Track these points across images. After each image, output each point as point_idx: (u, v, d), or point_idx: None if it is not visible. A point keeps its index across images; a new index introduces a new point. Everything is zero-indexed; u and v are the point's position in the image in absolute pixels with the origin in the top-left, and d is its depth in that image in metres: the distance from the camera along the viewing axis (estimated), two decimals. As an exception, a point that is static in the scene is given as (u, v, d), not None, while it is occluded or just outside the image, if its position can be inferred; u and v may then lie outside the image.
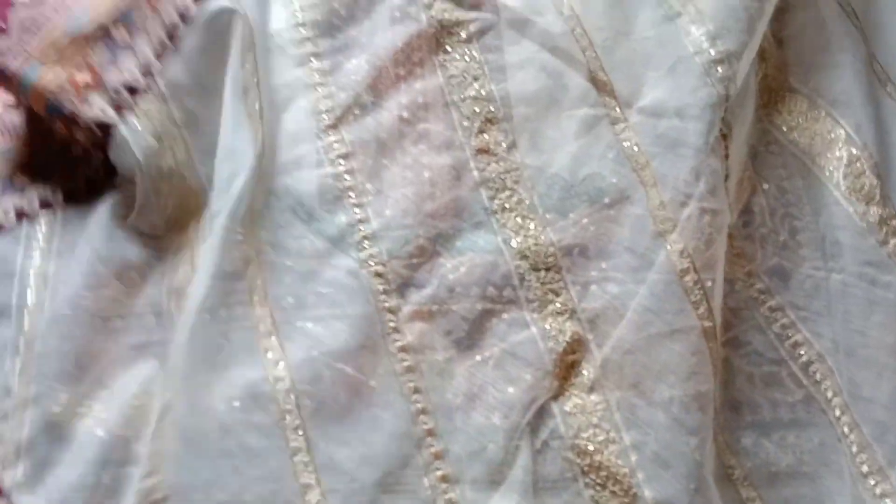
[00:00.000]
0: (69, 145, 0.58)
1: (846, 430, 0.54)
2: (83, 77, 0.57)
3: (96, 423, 0.52)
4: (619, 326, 0.52)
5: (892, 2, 0.69)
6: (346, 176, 0.57)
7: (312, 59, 0.61)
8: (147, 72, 0.58)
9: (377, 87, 0.60)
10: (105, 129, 0.57)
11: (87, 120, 0.56)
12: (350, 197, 0.56)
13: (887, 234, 0.59)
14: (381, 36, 0.61)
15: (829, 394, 0.55)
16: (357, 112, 0.59)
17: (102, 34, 0.58)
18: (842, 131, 0.62)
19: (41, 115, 0.58)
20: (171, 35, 0.59)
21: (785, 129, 0.64)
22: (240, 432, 0.49)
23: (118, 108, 0.57)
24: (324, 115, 0.59)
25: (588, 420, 0.50)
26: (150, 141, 0.57)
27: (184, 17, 0.60)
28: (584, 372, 0.52)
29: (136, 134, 0.57)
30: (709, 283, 0.52)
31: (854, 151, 0.61)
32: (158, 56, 0.59)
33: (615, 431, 0.50)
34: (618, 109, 0.58)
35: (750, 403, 0.55)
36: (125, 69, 0.58)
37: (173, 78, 0.59)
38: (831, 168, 0.62)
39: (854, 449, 0.53)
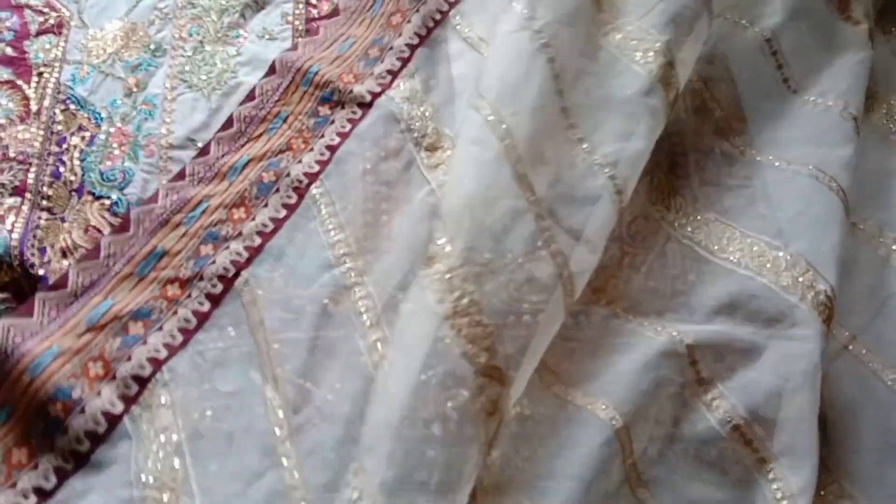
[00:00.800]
0: (57, 425, 0.56)
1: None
2: (96, 369, 0.58)
3: None
4: None
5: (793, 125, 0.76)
6: None
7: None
8: (155, 362, 0.59)
9: None
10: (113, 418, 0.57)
11: (93, 410, 0.56)
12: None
13: (804, 291, 0.64)
14: None
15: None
16: None
17: (120, 328, 0.61)
18: (736, 231, 0.69)
19: (39, 393, 0.57)
20: (184, 331, 0.61)
21: (676, 224, 0.71)
22: None
23: (126, 400, 0.58)
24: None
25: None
26: (150, 438, 0.57)
27: (199, 314, 0.62)
28: None
29: (138, 430, 0.57)
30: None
31: (748, 241, 0.68)
32: (170, 350, 0.60)
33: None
34: (535, 205, 0.61)
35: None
36: (136, 362, 0.59)
37: (180, 370, 0.60)
38: (735, 258, 0.68)
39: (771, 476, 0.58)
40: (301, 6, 0.85)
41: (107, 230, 0.70)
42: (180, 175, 0.71)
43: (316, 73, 0.76)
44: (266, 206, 0.69)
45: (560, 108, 0.67)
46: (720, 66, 0.79)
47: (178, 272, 0.64)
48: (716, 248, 0.69)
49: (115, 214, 0.71)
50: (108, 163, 0.74)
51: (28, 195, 0.72)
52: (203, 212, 0.68)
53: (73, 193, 0.73)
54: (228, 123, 0.75)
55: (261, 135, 0.74)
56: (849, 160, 0.71)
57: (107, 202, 0.72)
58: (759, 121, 0.77)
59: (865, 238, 0.72)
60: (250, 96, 0.76)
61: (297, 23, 0.84)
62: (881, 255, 0.71)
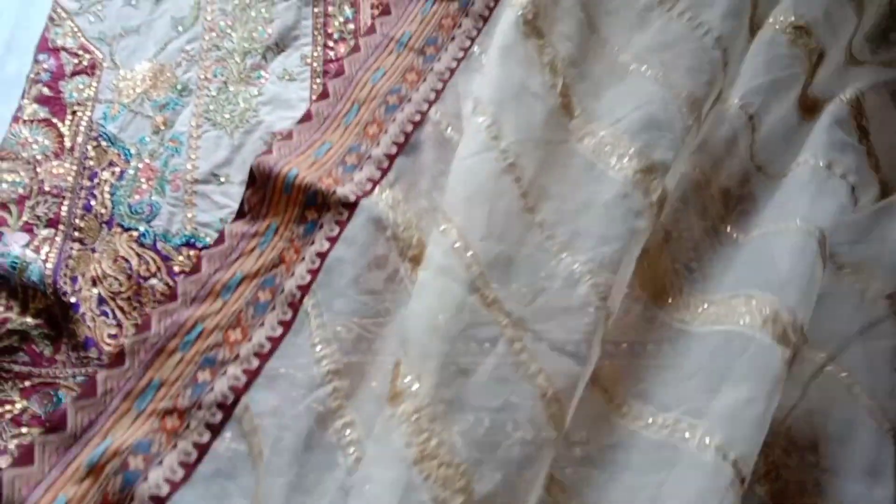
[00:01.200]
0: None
1: None
2: None
3: None
4: None
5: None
6: None
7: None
8: (158, 501, 0.58)
9: None
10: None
11: None
12: None
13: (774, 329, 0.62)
14: None
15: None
16: None
17: (120, 465, 0.59)
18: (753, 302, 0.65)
19: None
20: (185, 465, 0.60)
21: (688, 319, 0.68)
22: None
23: None
24: None
25: None
26: None
27: (199, 446, 0.61)
28: None
29: None
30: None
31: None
32: (171, 486, 0.59)
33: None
34: (510, 328, 0.61)
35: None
36: (138, 501, 0.58)
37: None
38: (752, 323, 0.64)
39: None
40: (319, 48, 0.90)
41: (134, 261, 0.75)
42: (172, 296, 0.69)
43: (295, 177, 0.73)
44: (262, 325, 0.67)
45: (532, 222, 0.66)
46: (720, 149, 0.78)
47: (176, 402, 0.62)
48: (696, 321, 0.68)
49: (142, 245, 0.76)
50: (137, 196, 0.79)
51: (61, 227, 0.76)
52: (198, 336, 0.66)
53: (104, 225, 0.77)
54: (220, 240, 0.73)
55: (253, 249, 0.72)
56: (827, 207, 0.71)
57: (135, 234, 0.76)
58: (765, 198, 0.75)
59: (846, 277, 0.74)
60: (240, 213, 0.75)
61: (315, 64, 0.89)
62: (858, 288, 0.72)
